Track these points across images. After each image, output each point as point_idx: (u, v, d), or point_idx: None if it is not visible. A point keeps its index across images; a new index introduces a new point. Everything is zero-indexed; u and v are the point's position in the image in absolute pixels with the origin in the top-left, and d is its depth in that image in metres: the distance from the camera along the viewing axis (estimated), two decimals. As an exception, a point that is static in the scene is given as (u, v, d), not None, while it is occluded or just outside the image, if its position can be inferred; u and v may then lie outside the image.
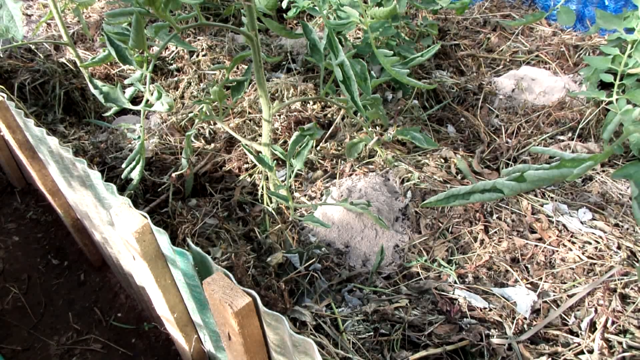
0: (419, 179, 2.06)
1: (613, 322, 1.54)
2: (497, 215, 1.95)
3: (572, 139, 2.34)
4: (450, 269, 1.76)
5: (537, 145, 2.32)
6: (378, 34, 2.27)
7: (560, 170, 0.59)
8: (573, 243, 1.81)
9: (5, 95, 2.01)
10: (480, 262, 1.77)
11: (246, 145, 1.81)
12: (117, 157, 2.33)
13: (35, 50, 2.95)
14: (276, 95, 2.58)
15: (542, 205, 1.98)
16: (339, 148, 2.33)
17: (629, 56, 2.18)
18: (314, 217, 1.56)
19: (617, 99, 2.19)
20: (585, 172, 0.58)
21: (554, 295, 1.66)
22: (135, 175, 1.76)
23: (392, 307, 1.59)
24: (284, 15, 2.94)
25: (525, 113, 2.55)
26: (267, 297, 1.60)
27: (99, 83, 1.61)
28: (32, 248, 2.93)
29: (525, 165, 0.63)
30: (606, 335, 1.52)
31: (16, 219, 3.09)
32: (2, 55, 2.88)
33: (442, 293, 1.67)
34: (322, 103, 2.56)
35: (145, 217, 1.23)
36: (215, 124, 2.49)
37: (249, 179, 2.21)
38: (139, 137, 1.71)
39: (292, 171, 1.76)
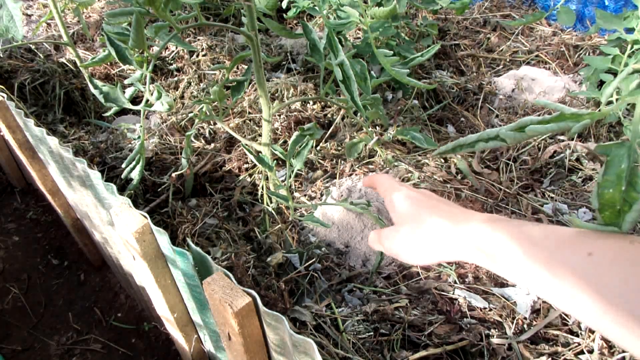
0: (419, 179, 2.06)
1: (613, 322, 1.54)
2: (497, 215, 1.95)
3: (572, 139, 2.34)
4: (450, 269, 1.76)
5: (537, 144, 2.32)
6: (378, 34, 2.27)
7: (558, 124, 0.61)
8: (573, 243, 1.81)
9: (5, 95, 2.01)
10: (480, 262, 1.77)
11: (246, 145, 1.81)
12: (117, 157, 2.33)
13: (35, 50, 2.95)
14: (276, 95, 2.58)
15: (542, 205, 1.98)
16: (339, 148, 2.32)
17: (629, 56, 2.18)
18: (313, 217, 1.56)
19: (617, 99, 2.19)
20: (582, 129, 0.59)
21: (554, 295, 1.65)
22: (135, 175, 1.76)
23: (392, 307, 1.59)
24: (284, 15, 2.94)
25: (525, 113, 2.55)
26: (267, 297, 1.60)
27: (99, 83, 1.61)
28: (32, 248, 2.93)
29: (527, 119, 0.65)
30: (606, 335, 1.51)
31: (16, 219, 3.09)
32: (2, 55, 2.88)
33: (442, 293, 1.67)
34: (322, 103, 2.56)
35: (145, 217, 1.23)
36: (215, 124, 2.49)
37: (249, 179, 2.21)
38: (139, 137, 1.71)
39: (292, 171, 1.76)
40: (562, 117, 0.60)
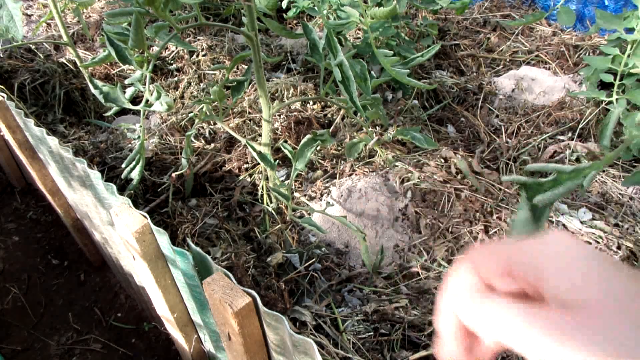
0: (419, 179, 2.06)
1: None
2: (497, 215, 1.95)
3: (572, 139, 2.34)
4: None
5: (537, 144, 2.32)
6: (378, 34, 2.27)
7: (565, 186, 0.59)
8: (573, 243, 1.81)
9: (5, 95, 2.01)
10: (480, 262, 1.77)
11: (248, 143, 1.81)
12: (117, 157, 2.33)
13: (35, 50, 2.95)
14: (276, 95, 2.58)
15: (542, 205, 1.98)
16: (339, 148, 2.33)
17: (629, 56, 2.18)
18: (311, 221, 1.55)
19: (617, 99, 2.19)
20: (592, 181, 0.57)
21: (554, 295, 1.65)
22: (135, 175, 1.76)
23: (392, 307, 1.59)
24: (284, 15, 2.94)
25: (525, 113, 2.55)
26: (267, 297, 1.60)
27: (99, 83, 1.61)
28: (32, 248, 2.93)
29: (528, 180, 0.63)
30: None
31: (16, 219, 3.09)
32: (2, 55, 2.88)
33: (442, 293, 1.67)
34: (322, 103, 2.56)
35: (145, 217, 1.23)
36: (215, 124, 2.49)
37: (249, 179, 2.21)
38: (139, 137, 1.71)
39: (295, 172, 1.76)
40: (561, 178, 0.58)
